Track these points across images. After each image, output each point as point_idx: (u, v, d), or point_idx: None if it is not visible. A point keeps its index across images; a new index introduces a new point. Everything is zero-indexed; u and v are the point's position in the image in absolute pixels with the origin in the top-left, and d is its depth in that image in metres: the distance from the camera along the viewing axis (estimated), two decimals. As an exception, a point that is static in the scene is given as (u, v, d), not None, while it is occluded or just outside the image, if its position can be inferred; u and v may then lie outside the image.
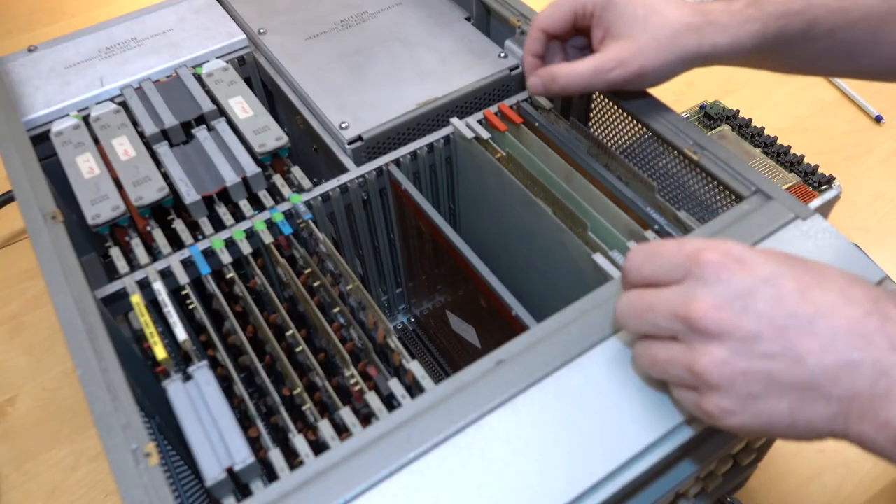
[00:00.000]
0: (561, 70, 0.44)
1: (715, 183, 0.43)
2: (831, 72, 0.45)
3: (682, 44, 0.40)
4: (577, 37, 0.47)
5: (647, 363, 0.30)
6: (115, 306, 0.43)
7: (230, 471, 0.33)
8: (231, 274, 0.44)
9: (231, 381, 0.40)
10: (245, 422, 0.38)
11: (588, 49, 0.47)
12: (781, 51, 0.41)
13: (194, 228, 0.47)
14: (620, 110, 0.48)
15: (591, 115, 0.52)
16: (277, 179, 0.48)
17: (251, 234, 0.45)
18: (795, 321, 0.26)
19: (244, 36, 0.59)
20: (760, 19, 0.40)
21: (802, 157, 0.70)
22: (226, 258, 0.44)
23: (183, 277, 0.43)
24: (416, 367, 0.38)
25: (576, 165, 0.47)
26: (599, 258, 0.42)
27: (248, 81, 0.56)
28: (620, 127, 0.49)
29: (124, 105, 0.53)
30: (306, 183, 0.48)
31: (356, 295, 0.42)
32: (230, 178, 0.47)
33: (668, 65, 0.41)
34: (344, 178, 0.48)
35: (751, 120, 0.76)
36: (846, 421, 0.26)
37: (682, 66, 0.41)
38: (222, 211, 0.47)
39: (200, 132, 0.50)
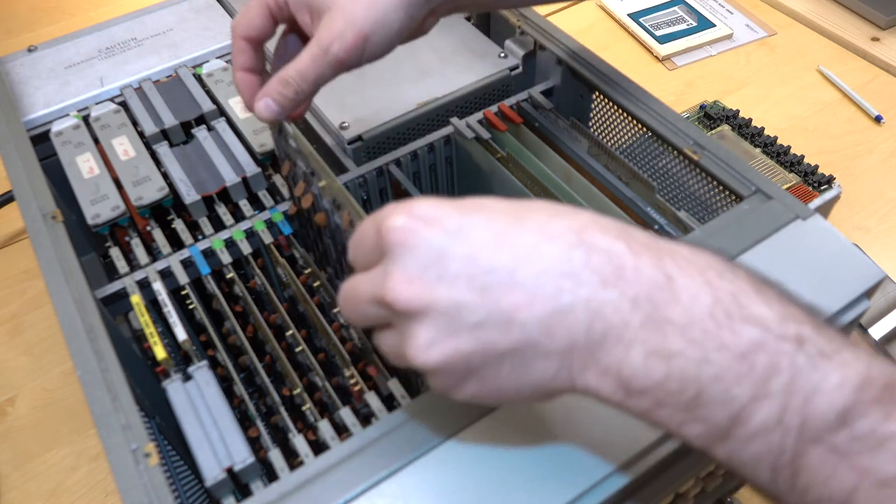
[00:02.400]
0: (286, 73, 0.37)
1: (715, 183, 0.43)
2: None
3: (344, 27, 0.35)
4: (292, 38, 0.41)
5: (382, 353, 0.27)
6: (115, 306, 0.43)
7: (230, 471, 0.33)
8: (231, 274, 0.44)
9: (231, 381, 0.40)
10: (245, 422, 0.38)
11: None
12: None
13: (194, 228, 0.47)
14: (620, 110, 0.48)
15: (591, 115, 0.52)
16: (277, 179, 0.48)
17: (251, 234, 0.45)
18: (495, 276, 0.23)
19: (244, 36, 0.59)
20: None
21: (802, 157, 0.70)
22: (226, 258, 0.44)
23: (183, 277, 0.43)
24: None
25: (576, 165, 0.47)
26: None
27: (248, 81, 0.56)
28: (620, 127, 0.49)
29: (124, 105, 0.53)
30: (306, 183, 0.48)
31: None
32: (230, 178, 0.47)
33: (388, 16, 0.36)
34: (344, 178, 0.48)
35: (751, 120, 0.76)
36: (570, 374, 0.24)
37: (408, 12, 0.37)
38: (222, 211, 0.47)
39: (200, 132, 0.50)
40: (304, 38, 0.39)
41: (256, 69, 0.40)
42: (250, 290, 0.45)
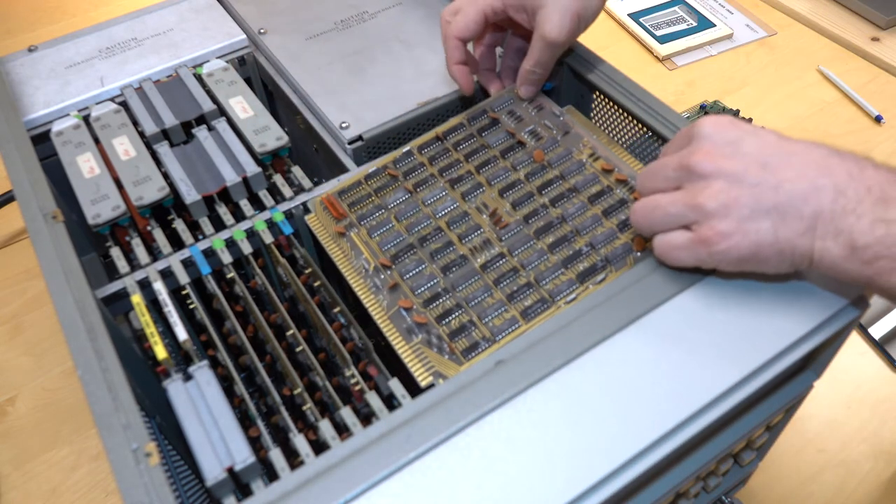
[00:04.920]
0: (526, 66, 0.47)
1: (715, 183, 0.43)
2: None
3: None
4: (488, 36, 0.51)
5: (648, 210, 0.35)
6: (116, 306, 0.43)
7: (230, 470, 0.33)
8: (231, 274, 0.44)
9: (231, 380, 0.40)
10: (245, 421, 0.38)
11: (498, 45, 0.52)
12: None
13: (194, 228, 0.47)
14: (621, 110, 0.48)
15: (591, 115, 0.52)
16: (278, 179, 0.48)
17: (251, 234, 0.45)
18: (776, 158, 0.32)
19: (244, 36, 0.59)
20: None
21: (802, 157, 0.70)
22: (226, 258, 0.44)
23: (183, 277, 0.43)
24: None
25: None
26: (599, 258, 0.42)
27: (248, 81, 0.56)
28: (620, 127, 0.49)
29: (124, 105, 0.53)
30: (307, 183, 0.48)
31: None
32: (230, 177, 0.47)
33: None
34: (344, 178, 0.48)
35: (751, 120, 0.76)
36: (813, 236, 0.31)
37: None
38: (222, 211, 0.47)
39: (201, 132, 0.50)
40: (518, 31, 0.50)
41: (468, 62, 0.49)
42: (251, 290, 0.45)
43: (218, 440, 0.34)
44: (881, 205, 0.30)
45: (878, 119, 0.79)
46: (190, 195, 0.46)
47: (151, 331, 0.39)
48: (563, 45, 0.46)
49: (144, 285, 0.42)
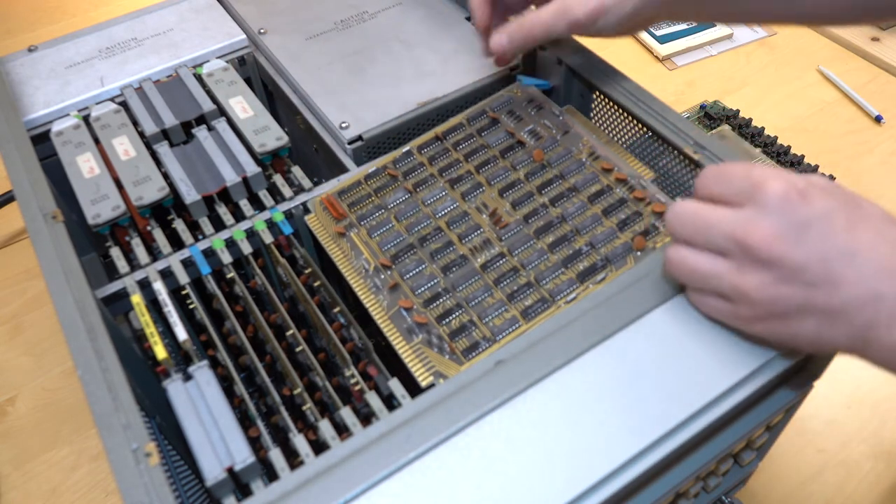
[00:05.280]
0: (526, 18, 0.45)
1: (715, 183, 0.43)
2: (772, 13, 0.44)
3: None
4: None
5: (686, 269, 0.33)
6: (116, 306, 0.43)
7: (230, 470, 0.33)
8: (231, 274, 0.44)
9: (231, 380, 0.40)
10: (245, 421, 0.38)
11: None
12: None
13: (194, 228, 0.47)
14: (621, 110, 0.48)
15: (591, 115, 0.52)
16: (278, 179, 0.48)
17: (251, 234, 0.45)
18: (839, 254, 0.29)
19: (244, 36, 0.59)
20: None
21: (802, 157, 0.70)
22: (226, 258, 0.44)
23: (183, 277, 0.43)
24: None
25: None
26: (599, 258, 0.42)
27: (248, 81, 0.56)
28: (620, 127, 0.49)
29: (124, 105, 0.53)
30: (307, 183, 0.48)
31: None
32: (230, 177, 0.47)
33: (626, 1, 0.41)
34: (344, 178, 0.48)
35: (751, 120, 0.76)
36: (864, 345, 0.29)
37: (641, 5, 0.41)
38: (222, 211, 0.47)
39: (200, 132, 0.50)
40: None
41: (489, 25, 0.48)
42: (250, 290, 0.45)
43: (218, 440, 0.34)
44: None
45: (878, 119, 0.79)
46: (190, 195, 0.46)
47: (151, 331, 0.39)
48: (574, 22, 0.43)
49: (144, 285, 0.42)
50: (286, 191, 0.48)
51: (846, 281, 0.29)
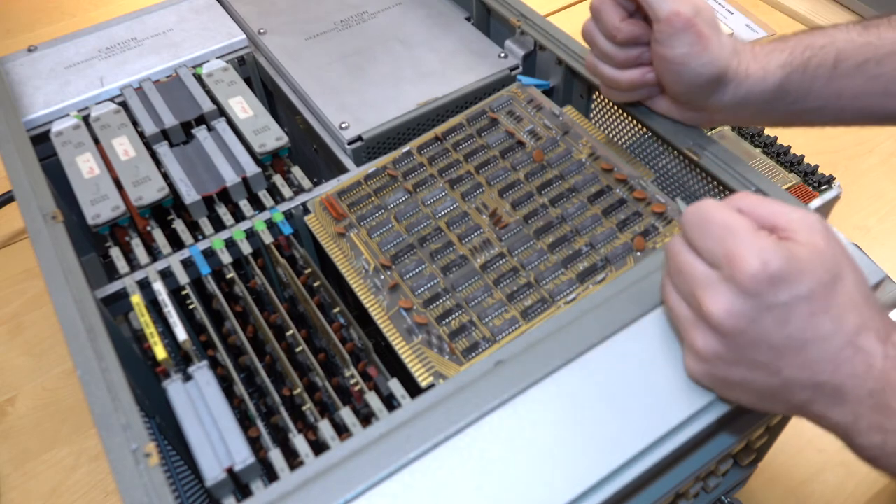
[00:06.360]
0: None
1: (715, 183, 0.43)
2: (871, 113, 0.42)
3: (719, 57, 0.39)
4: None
5: (664, 293, 0.33)
6: (115, 306, 0.43)
7: (230, 471, 0.33)
8: (231, 274, 0.44)
9: (231, 381, 0.40)
10: (245, 422, 0.38)
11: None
12: (810, 87, 0.40)
13: (194, 228, 0.47)
14: (620, 110, 0.48)
15: (591, 115, 0.52)
16: (277, 179, 0.48)
17: (251, 234, 0.45)
18: (791, 342, 0.29)
19: (244, 36, 0.59)
20: (786, 50, 0.40)
21: (802, 157, 0.70)
22: (226, 258, 0.44)
23: (183, 277, 0.43)
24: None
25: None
26: (599, 258, 0.42)
27: (248, 81, 0.56)
28: (620, 127, 0.49)
29: (124, 105, 0.53)
30: (306, 183, 0.48)
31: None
32: (230, 178, 0.47)
33: (700, 76, 0.39)
34: (344, 178, 0.48)
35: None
36: (803, 414, 0.31)
37: (710, 84, 0.40)
38: (222, 211, 0.47)
39: (200, 132, 0.50)
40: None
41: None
42: (250, 290, 0.45)
43: (217, 440, 0.34)
44: (879, 411, 0.29)
45: (878, 119, 0.79)
46: (190, 195, 0.46)
47: (151, 331, 0.39)
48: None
49: (144, 285, 0.42)
50: (286, 191, 0.48)
51: (790, 366, 0.29)
